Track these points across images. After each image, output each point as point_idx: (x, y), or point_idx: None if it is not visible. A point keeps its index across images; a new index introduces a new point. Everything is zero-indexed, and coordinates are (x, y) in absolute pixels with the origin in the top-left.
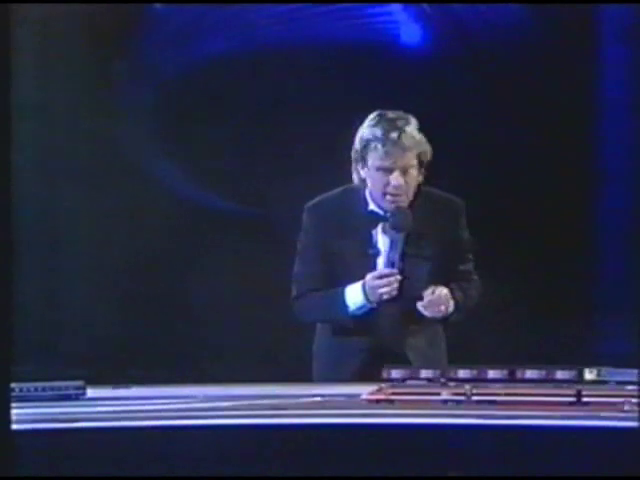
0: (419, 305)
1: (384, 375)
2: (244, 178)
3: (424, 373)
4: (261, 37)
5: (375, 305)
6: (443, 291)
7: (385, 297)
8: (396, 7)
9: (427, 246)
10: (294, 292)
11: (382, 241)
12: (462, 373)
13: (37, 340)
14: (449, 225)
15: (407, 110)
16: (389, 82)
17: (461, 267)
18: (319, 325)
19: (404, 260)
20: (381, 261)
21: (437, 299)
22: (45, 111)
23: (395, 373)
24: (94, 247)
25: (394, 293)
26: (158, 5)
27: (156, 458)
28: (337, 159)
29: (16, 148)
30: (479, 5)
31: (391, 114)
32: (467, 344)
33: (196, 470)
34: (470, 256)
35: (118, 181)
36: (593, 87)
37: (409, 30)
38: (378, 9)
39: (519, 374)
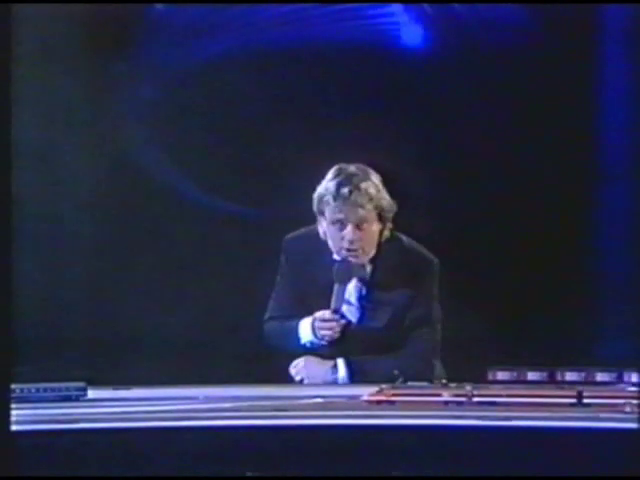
0: None
1: (490, 377)
2: (244, 178)
3: (530, 375)
4: (262, 38)
5: (324, 342)
6: None
7: (327, 339)
8: (397, 8)
9: (388, 296)
10: (266, 314)
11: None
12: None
13: (38, 341)
14: (414, 281)
15: (407, 110)
16: (389, 82)
17: (422, 326)
18: None
19: (358, 306)
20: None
21: None
22: (45, 111)
23: (501, 375)
24: (95, 247)
25: (335, 336)
26: (159, 5)
27: (157, 459)
28: (338, 159)
29: (16, 148)
30: (480, 6)
31: (352, 168)
32: (470, 347)
33: (197, 471)
34: (436, 315)
35: (118, 181)
36: (594, 88)
37: (410, 31)
38: (379, 10)
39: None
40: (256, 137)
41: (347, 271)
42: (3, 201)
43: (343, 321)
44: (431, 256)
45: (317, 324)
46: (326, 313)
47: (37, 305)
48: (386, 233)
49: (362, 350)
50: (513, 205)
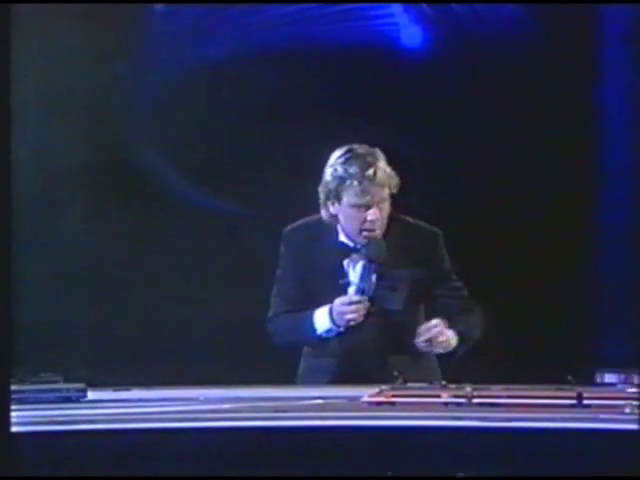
0: (418, 344)
1: (598, 379)
2: (244, 179)
3: (637, 379)
4: (262, 38)
5: (342, 329)
6: (438, 330)
7: (352, 323)
8: (397, 9)
9: (401, 276)
10: (269, 313)
11: (352, 271)
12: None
13: (37, 342)
14: (424, 254)
15: (408, 111)
16: (389, 83)
17: (450, 299)
18: (304, 349)
19: (376, 289)
20: (352, 290)
21: (433, 335)
22: (45, 111)
23: (609, 378)
24: (94, 249)
25: (360, 319)
26: (159, 6)
27: (157, 460)
28: None
29: (16, 148)
30: (480, 7)
31: (360, 149)
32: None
33: (197, 472)
34: (458, 285)
35: (118, 181)
36: (594, 88)
37: (410, 32)
38: (379, 11)
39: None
40: (256, 137)
41: (381, 247)
42: (3, 201)
43: (369, 303)
44: (435, 228)
45: (340, 309)
46: (351, 296)
47: (37, 306)
48: (391, 211)
49: (381, 334)
50: (514, 204)
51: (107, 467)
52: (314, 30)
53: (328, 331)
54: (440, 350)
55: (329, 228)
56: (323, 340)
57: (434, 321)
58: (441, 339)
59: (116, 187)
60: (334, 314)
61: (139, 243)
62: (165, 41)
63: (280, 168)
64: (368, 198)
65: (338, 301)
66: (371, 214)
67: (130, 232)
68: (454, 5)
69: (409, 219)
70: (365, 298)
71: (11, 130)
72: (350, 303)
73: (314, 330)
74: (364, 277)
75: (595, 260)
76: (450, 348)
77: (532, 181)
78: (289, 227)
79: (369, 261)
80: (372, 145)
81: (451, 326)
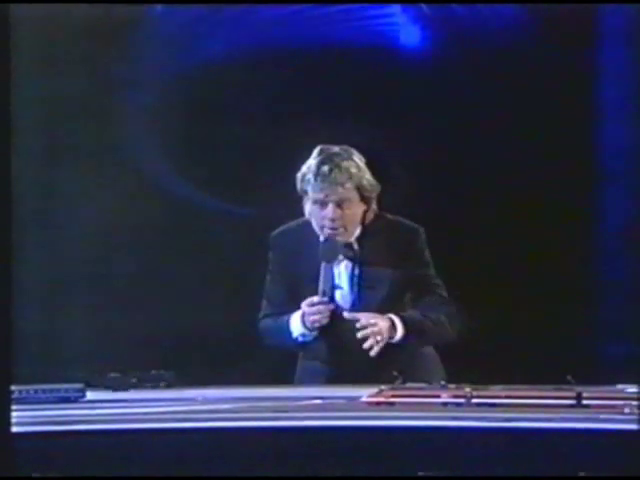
0: (358, 334)
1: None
2: (244, 179)
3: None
4: (261, 39)
5: (316, 333)
6: (370, 316)
7: (316, 325)
8: (396, 9)
9: (380, 274)
10: (259, 314)
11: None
12: None
13: (37, 342)
14: (403, 252)
15: (408, 111)
16: (389, 83)
17: (426, 295)
18: (300, 352)
19: (353, 288)
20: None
21: (364, 327)
22: (45, 112)
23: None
24: (94, 249)
25: (324, 321)
26: (159, 6)
27: (156, 461)
28: None
29: (16, 149)
30: (479, 7)
31: (333, 149)
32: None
33: (196, 472)
34: (437, 282)
35: (118, 182)
36: (594, 89)
37: (409, 32)
38: (378, 11)
39: None
40: (255, 137)
41: (333, 248)
42: (3, 201)
43: (332, 305)
44: (415, 225)
45: (305, 310)
46: (314, 298)
47: (37, 306)
48: (370, 215)
49: (354, 336)
50: (513, 201)
51: (107, 467)
52: (313, 30)
53: (303, 335)
54: (372, 345)
55: (312, 230)
56: (301, 344)
57: (375, 319)
58: (377, 337)
59: (117, 187)
60: (304, 317)
61: (139, 244)
62: (166, 42)
63: (280, 168)
64: (322, 195)
65: (304, 304)
66: (328, 211)
67: (130, 232)
68: (453, 5)
69: (391, 217)
70: (326, 300)
71: (11, 131)
72: (312, 305)
73: (290, 334)
74: (325, 278)
75: (595, 260)
76: (395, 339)
77: (532, 181)
78: (275, 231)
79: (325, 261)
80: (372, 146)
81: (402, 320)
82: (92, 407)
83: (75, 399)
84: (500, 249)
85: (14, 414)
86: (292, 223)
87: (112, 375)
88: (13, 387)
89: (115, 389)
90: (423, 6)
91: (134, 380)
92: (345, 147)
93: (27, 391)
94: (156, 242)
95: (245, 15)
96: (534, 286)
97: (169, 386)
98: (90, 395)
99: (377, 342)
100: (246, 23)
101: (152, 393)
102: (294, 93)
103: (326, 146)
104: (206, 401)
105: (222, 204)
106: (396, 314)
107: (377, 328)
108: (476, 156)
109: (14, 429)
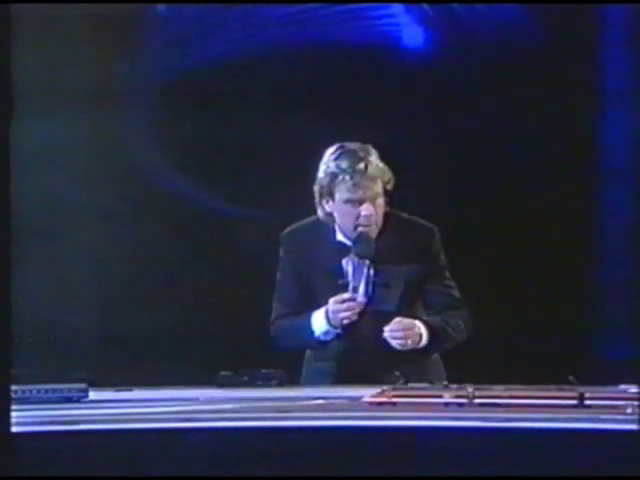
0: (385, 335)
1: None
2: (245, 179)
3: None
4: (263, 39)
5: (340, 330)
6: (408, 321)
7: (345, 322)
8: (398, 9)
9: (396, 273)
10: (272, 316)
11: (349, 270)
12: None
13: (38, 342)
14: (419, 251)
15: (411, 111)
16: (391, 83)
17: (440, 296)
18: (306, 354)
19: (370, 287)
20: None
21: (401, 330)
22: (45, 111)
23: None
24: (95, 248)
25: (354, 318)
26: (160, 6)
27: (158, 460)
28: None
29: (16, 148)
30: (481, 7)
31: (352, 145)
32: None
33: (198, 472)
34: (450, 284)
35: (119, 181)
36: (594, 87)
37: (411, 32)
38: (380, 11)
39: None
40: (257, 137)
41: (369, 245)
42: (3, 201)
43: (363, 300)
44: (430, 224)
45: (333, 307)
46: (343, 295)
47: (37, 305)
48: (387, 208)
49: (376, 334)
50: (514, 201)
51: (108, 467)
52: (316, 30)
53: (326, 333)
54: (403, 347)
55: (326, 228)
56: (322, 342)
57: (407, 320)
58: (408, 340)
59: (117, 186)
60: (329, 315)
61: (140, 243)
62: (167, 42)
63: (281, 168)
64: (361, 193)
65: (332, 301)
66: (364, 209)
67: (131, 232)
68: (455, 5)
69: (405, 215)
70: (357, 296)
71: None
72: (343, 301)
73: (312, 332)
74: (356, 275)
75: (596, 260)
76: (420, 345)
77: (532, 181)
78: (286, 230)
79: (360, 258)
80: (374, 144)
81: (425, 324)
82: (95, 407)
83: (78, 399)
84: (501, 250)
85: (14, 414)
86: (303, 221)
87: (223, 373)
88: (15, 387)
89: (226, 387)
90: (426, 6)
91: (245, 379)
92: (358, 143)
93: (30, 391)
94: (158, 242)
95: (247, 15)
96: (536, 286)
97: (280, 384)
98: (93, 395)
99: (407, 344)
100: (248, 23)
101: (154, 393)
102: (295, 93)
103: (345, 144)
104: (208, 401)
105: (222, 204)
106: (420, 320)
107: (412, 332)
108: (477, 155)
109: (14, 429)
